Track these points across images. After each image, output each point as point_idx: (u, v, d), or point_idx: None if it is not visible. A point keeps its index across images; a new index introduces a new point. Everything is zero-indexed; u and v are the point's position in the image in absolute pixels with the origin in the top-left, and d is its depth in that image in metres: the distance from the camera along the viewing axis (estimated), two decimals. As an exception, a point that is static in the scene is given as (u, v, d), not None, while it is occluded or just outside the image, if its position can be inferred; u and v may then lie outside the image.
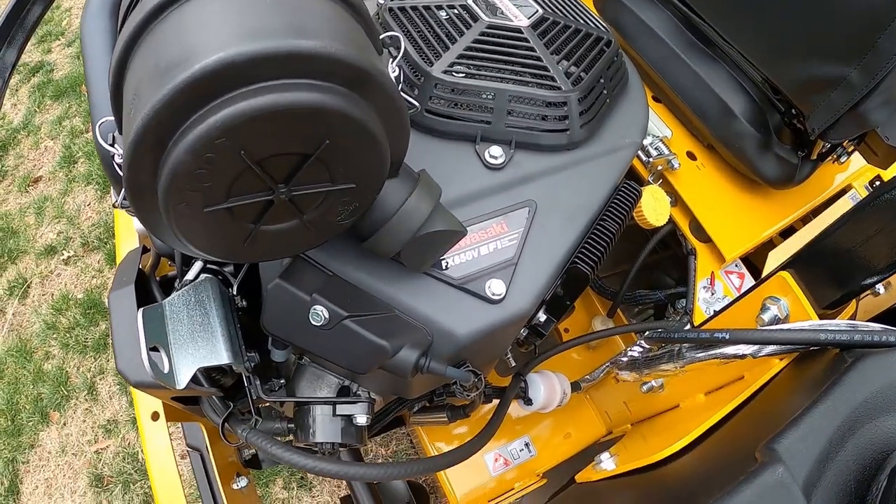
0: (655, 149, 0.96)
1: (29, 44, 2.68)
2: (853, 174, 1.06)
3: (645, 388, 0.82)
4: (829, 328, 0.53)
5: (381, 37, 0.45)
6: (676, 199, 0.99)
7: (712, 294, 0.92)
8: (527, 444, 1.05)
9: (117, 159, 0.47)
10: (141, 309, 0.45)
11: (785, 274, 0.62)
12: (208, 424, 0.89)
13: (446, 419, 0.76)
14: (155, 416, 0.73)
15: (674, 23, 1.04)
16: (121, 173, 0.46)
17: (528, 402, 0.82)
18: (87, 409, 1.84)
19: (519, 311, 0.54)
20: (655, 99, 1.10)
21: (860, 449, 0.44)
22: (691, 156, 1.03)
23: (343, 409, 0.53)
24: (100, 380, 1.89)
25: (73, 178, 2.49)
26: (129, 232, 0.93)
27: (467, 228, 0.55)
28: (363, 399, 0.55)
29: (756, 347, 0.55)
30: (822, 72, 0.80)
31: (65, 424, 1.82)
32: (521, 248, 0.56)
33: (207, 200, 0.37)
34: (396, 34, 0.47)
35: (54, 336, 2.02)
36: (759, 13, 0.86)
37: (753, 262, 1.05)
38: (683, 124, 1.07)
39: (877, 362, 0.49)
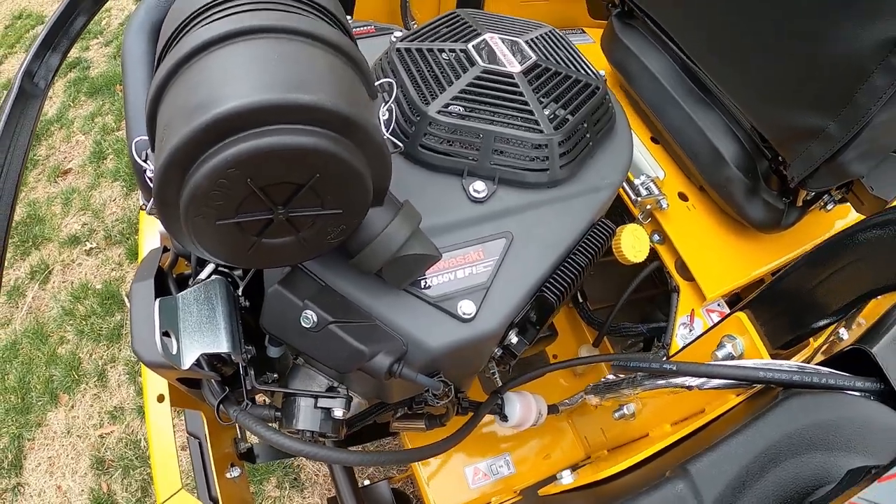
0: (646, 188, 1.03)
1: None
2: (847, 222, 1.11)
3: (616, 415, 0.88)
4: (771, 367, 0.58)
5: (377, 83, 0.54)
6: (664, 238, 1.05)
7: (690, 331, 0.98)
8: (507, 461, 1.11)
9: (149, 173, 0.56)
10: (158, 299, 0.54)
11: (741, 314, 0.68)
12: (208, 414, 0.97)
13: (424, 427, 0.84)
14: (160, 399, 0.82)
15: (674, 68, 1.11)
16: (151, 186, 0.55)
17: (504, 418, 0.88)
18: (95, 394, 1.95)
19: (487, 330, 0.62)
20: (654, 140, 1.17)
21: (783, 481, 0.49)
22: (683, 196, 1.10)
23: (323, 403, 0.61)
24: (111, 368, 2.00)
25: (101, 173, 2.64)
26: (151, 232, 1.03)
27: (447, 254, 0.63)
28: (341, 395, 0.63)
29: (702, 380, 0.61)
30: (803, 122, 0.85)
31: (73, 407, 1.93)
32: (495, 274, 0.64)
33: (219, 215, 0.45)
34: (391, 80, 0.56)
35: (70, 322, 2.14)
36: (745, 62, 0.92)
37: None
38: (678, 165, 1.14)
39: (807, 401, 0.54)
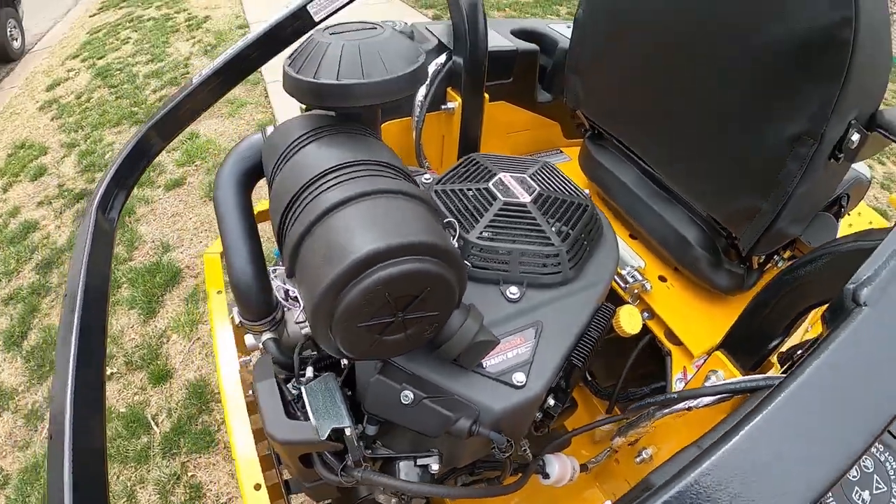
0: (632, 276, 1.31)
1: (72, 171, 3.41)
2: None
3: (637, 460, 1.08)
4: (741, 381, 0.79)
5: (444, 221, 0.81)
6: (652, 314, 1.31)
7: (685, 385, 1.21)
8: (546, 526, 1.27)
9: (292, 293, 0.78)
10: (304, 386, 0.76)
11: (718, 353, 0.93)
12: None
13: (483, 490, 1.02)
14: (257, 487, 0.99)
15: (640, 177, 1.44)
16: (283, 302, 0.79)
17: (546, 476, 1.08)
18: (128, 516, 2.02)
19: (535, 393, 0.85)
20: (632, 236, 1.47)
21: None
22: (662, 278, 1.38)
23: (422, 461, 0.82)
24: (140, 489, 2.08)
25: (116, 301, 2.83)
26: (226, 348, 1.24)
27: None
28: (435, 453, 0.83)
29: (696, 401, 0.84)
30: (744, 205, 1.11)
31: (107, 533, 1.99)
32: (534, 353, 0.88)
33: (360, 321, 0.69)
34: (452, 220, 0.83)
35: (96, 447, 2.23)
36: (695, 167, 1.21)
37: None
38: (655, 254, 1.43)
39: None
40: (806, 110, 0.92)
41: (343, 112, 0.93)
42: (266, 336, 0.97)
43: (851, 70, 0.85)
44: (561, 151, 1.83)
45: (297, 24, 1.27)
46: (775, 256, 1.29)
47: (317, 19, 1.30)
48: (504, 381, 0.84)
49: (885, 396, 0.47)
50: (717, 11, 1.02)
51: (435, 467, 0.83)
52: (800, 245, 1.23)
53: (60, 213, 3.42)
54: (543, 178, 1.11)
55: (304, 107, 1.28)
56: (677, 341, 1.27)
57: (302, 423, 0.80)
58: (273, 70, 4.67)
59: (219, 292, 1.35)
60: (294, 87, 0.86)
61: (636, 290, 1.31)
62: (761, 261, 1.28)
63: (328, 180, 0.76)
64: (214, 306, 1.33)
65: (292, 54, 0.91)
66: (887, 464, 0.60)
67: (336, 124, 0.92)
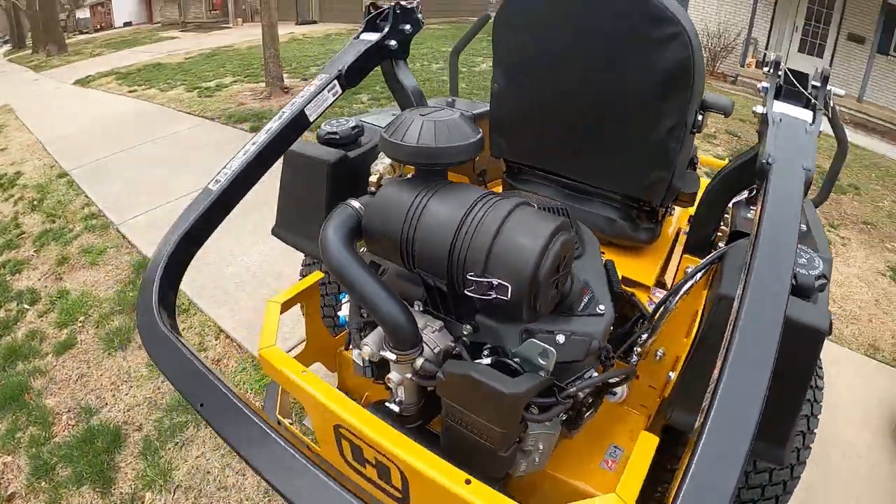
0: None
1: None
2: (679, 218, 2.12)
3: (657, 357, 1.59)
4: (708, 259, 1.37)
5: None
6: None
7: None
8: (615, 447, 1.68)
9: (492, 283, 1.12)
10: (518, 349, 1.14)
11: (685, 255, 1.52)
12: None
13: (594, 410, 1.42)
14: (468, 482, 1.10)
15: (559, 190, 2.01)
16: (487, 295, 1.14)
17: (613, 394, 1.51)
18: None
19: (611, 315, 1.29)
20: None
21: None
22: (602, 252, 1.97)
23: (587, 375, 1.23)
24: None
25: (58, 484, 2.51)
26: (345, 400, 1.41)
27: (574, 293, 1.33)
28: (591, 369, 1.24)
29: (699, 275, 1.39)
30: (652, 179, 1.73)
31: None
32: (596, 293, 1.34)
33: (551, 277, 1.10)
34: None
35: None
36: (613, 163, 1.80)
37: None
38: None
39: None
40: (675, 109, 1.60)
41: (437, 169, 1.30)
42: (420, 361, 1.23)
43: (693, 82, 1.54)
44: None
45: (295, 126, 1.60)
46: (669, 209, 1.97)
47: (311, 119, 1.64)
48: (595, 314, 1.29)
49: (792, 200, 1.08)
50: (603, 62, 1.66)
51: (594, 373, 1.24)
52: (680, 195, 1.92)
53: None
54: (532, 200, 1.61)
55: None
56: (632, 283, 1.85)
57: (525, 375, 1.14)
58: (118, 211, 4.46)
59: (304, 373, 1.43)
60: (406, 152, 1.24)
61: (594, 262, 1.87)
62: (662, 214, 1.94)
63: (478, 209, 1.17)
64: (313, 385, 1.39)
65: (390, 129, 1.28)
66: (802, 252, 1.19)
67: (434, 180, 1.29)
